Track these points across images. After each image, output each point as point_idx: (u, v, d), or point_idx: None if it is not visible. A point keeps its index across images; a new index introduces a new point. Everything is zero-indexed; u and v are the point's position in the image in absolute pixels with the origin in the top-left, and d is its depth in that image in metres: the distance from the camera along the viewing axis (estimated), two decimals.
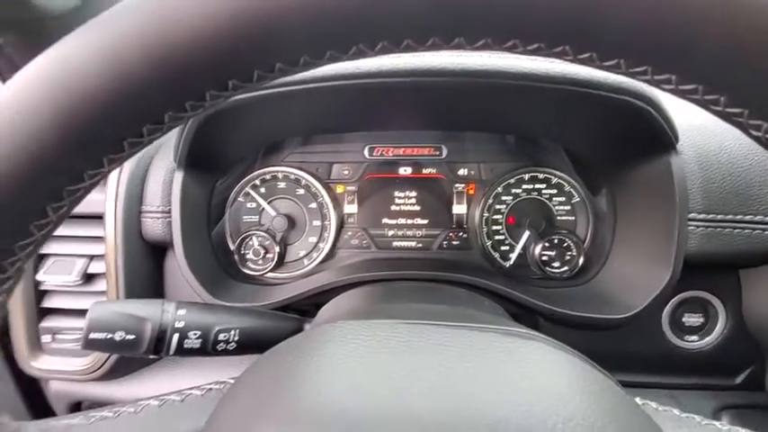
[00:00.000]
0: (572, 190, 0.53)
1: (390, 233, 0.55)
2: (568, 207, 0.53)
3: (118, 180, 0.45)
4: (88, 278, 0.46)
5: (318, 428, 0.16)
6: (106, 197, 0.45)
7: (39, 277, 0.45)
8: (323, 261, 0.54)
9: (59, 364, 0.47)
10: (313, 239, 0.55)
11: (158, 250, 0.49)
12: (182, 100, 0.15)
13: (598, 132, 0.46)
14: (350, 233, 0.55)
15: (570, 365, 0.20)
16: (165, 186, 0.46)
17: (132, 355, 0.30)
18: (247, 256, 0.53)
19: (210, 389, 0.23)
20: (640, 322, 0.42)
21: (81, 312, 0.47)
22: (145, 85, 0.14)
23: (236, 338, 0.32)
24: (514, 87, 0.38)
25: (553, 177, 0.53)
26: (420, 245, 0.55)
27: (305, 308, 0.48)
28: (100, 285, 0.46)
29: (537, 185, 0.54)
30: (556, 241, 0.52)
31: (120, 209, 0.45)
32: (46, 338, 0.47)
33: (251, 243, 0.53)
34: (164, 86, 0.14)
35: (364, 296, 0.40)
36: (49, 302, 0.47)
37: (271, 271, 0.54)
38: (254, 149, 0.53)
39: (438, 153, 0.54)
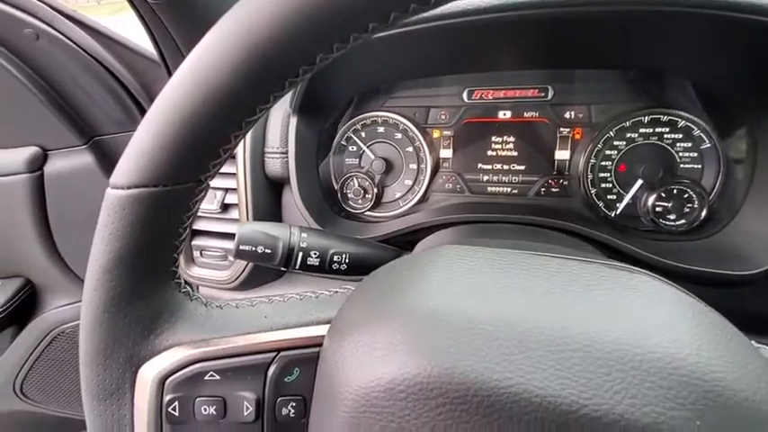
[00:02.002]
0: (702, 134, 0.46)
1: (485, 178, 0.55)
2: (695, 154, 0.47)
3: None
4: (225, 207, 0.56)
5: (429, 325, 0.19)
6: None
7: None
8: (417, 203, 0.57)
9: (206, 274, 0.59)
10: (408, 182, 0.57)
11: (277, 186, 0.56)
12: (329, 42, 0.17)
13: (743, 65, 0.39)
14: (444, 177, 0.57)
15: (681, 297, 0.19)
16: (283, 130, 0.52)
17: (269, 265, 0.37)
18: (349, 196, 0.59)
19: (338, 291, 0.28)
20: (763, 283, 0.37)
21: (220, 234, 0.57)
22: (309, 27, 0.17)
23: (346, 261, 0.38)
24: (645, 15, 0.34)
25: (680, 120, 0.47)
26: (515, 191, 0.54)
27: (400, 245, 0.53)
28: (233, 214, 0.56)
29: (658, 129, 0.48)
30: (675, 192, 0.47)
31: (248, 150, 0.52)
32: (196, 254, 0.59)
33: (352, 184, 0.58)
34: (317, 31, 0.17)
35: (461, 233, 0.42)
36: (197, 225, 0.58)
37: (369, 210, 0.58)
38: (356, 94, 0.56)
39: (543, 95, 0.51)
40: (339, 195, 0.59)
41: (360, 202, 0.58)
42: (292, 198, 0.53)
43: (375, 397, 0.19)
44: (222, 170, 0.55)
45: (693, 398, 0.15)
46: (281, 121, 0.52)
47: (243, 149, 0.52)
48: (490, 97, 0.53)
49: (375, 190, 0.57)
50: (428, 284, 0.22)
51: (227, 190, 0.55)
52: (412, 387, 0.18)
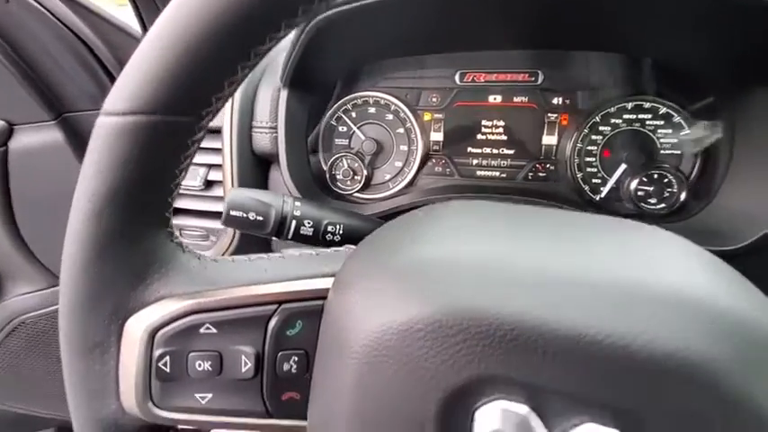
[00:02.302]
0: (682, 121, 0.49)
1: (474, 162, 0.56)
2: (675, 140, 0.49)
3: (233, 98, 0.50)
4: (208, 184, 0.54)
5: (444, 267, 0.18)
6: (224, 113, 0.51)
7: None
8: (407, 185, 0.57)
9: None
10: (399, 164, 0.57)
11: (265, 163, 0.55)
12: None
13: (729, 48, 0.41)
14: (434, 160, 0.57)
15: (689, 245, 0.20)
16: (273, 104, 0.51)
17: (260, 234, 0.35)
18: (338, 177, 0.58)
19: (338, 250, 0.27)
20: (747, 258, 0.39)
21: (203, 213, 0.55)
22: None
23: (340, 232, 0.37)
24: None
25: (661, 107, 0.49)
26: (504, 174, 0.55)
27: None
28: (217, 191, 0.54)
29: (641, 115, 0.50)
30: (656, 176, 0.48)
31: (235, 123, 0.50)
32: (176, 232, 0.56)
33: (341, 164, 0.57)
34: None
35: None
36: (178, 203, 0.55)
37: (358, 192, 0.57)
38: (348, 71, 0.55)
39: (533, 79, 0.52)
40: (327, 176, 0.58)
41: (349, 183, 0.57)
42: (280, 176, 0.51)
43: (388, 340, 0.18)
44: (206, 145, 0.53)
45: (725, 330, 0.16)
46: (270, 95, 0.51)
47: (230, 123, 0.50)
48: (482, 80, 0.53)
49: (365, 171, 0.56)
50: (439, 231, 0.21)
51: (210, 166, 0.53)
52: (430, 326, 0.17)
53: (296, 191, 0.50)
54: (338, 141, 0.58)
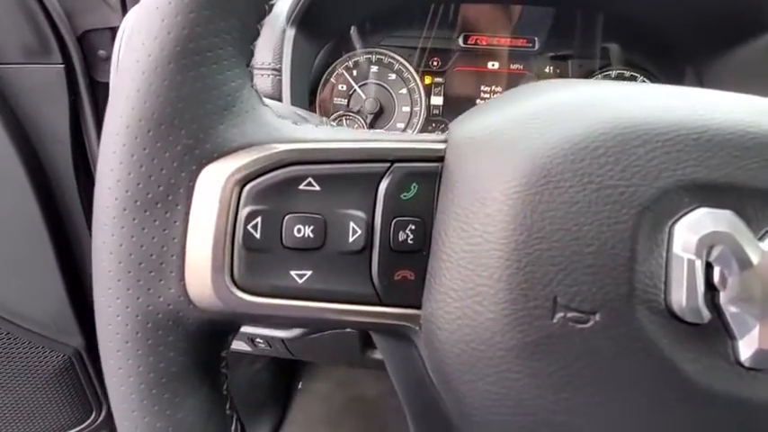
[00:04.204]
0: None
1: None
2: None
3: None
4: None
5: (605, 90, 0.17)
6: None
7: None
8: None
9: None
10: (401, 125, 0.55)
11: None
12: None
13: (703, 15, 0.47)
14: (434, 125, 0.56)
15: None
16: (276, 44, 0.46)
17: None
18: None
19: None
20: None
21: None
22: None
23: None
24: None
25: (639, 76, 0.55)
26: None
27: None
28: None
29: None
30: None
31: None
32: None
33: (340, 125, 0.54)
34: None
35: None
36: None
37: None
38: (360, 18, 0.53)
39: (531, 45, 0.55)
40: None
41: None
42: None
43: (560, 164, 0.16)
44: None
45: None
46: (271, 33, 0.47)
47: None
48: (484, 43, 0.55)
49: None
50: (568, 82, 0.20)
51: None
52: (610, 141, 0.16)
53: None
54: (337, 101, 0.55)
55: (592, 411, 0.15)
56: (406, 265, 0.18)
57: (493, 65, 0.56)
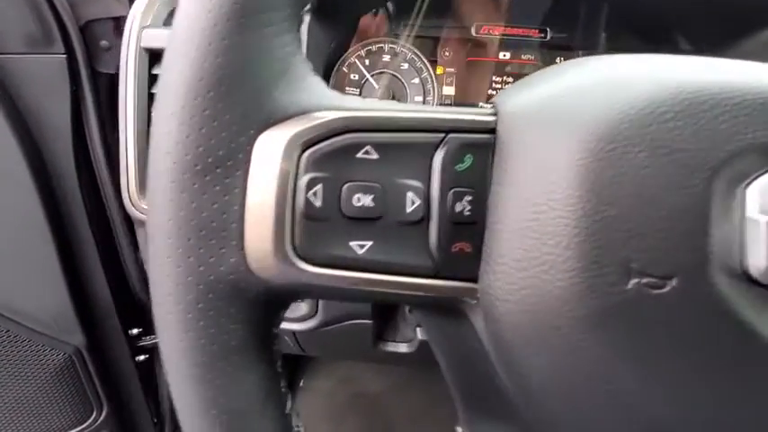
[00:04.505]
0: None
1: None
2: None
3: None
4: None
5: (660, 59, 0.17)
6: None
7: None
8: None
9: None
10: None
11: None
12: None
13: (711, 4, 0.48)
14: None
15: None
16: None
17: None
18: None
19: None
20: None
21: None
22: None
23: None
24: None
25: None
26: None
27: None
28: None
29: None
30: None
31: None
32: None
33: None
34: None
35: None
36: None
37: None
38: (367, 8, 0.53)
39: (543, 35, 0.55)
40: None
41: None
42: None
43: (626, 129, 0.15)
44: None
45: None
46: None
47: None
48: (497, 33, 0.55)
49: None
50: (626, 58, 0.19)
51: None
52: (677, 105, 0.15)
53: None
54: (348, 90, 0.54)
55: (668, 379, 0.15)
56: (463, 237, 0.18)
57: (504, 55, 0.56)
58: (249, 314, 0.16)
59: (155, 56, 0.44)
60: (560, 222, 0.15)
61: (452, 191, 0.18)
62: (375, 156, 0.17)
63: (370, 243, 0.17)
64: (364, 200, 0.17)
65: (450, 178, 0.18)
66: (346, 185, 0.17)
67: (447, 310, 0.19)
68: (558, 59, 0.56)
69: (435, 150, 0.18)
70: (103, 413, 0.83)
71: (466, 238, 0.18)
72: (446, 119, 0.18)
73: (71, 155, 0.67)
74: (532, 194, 0.16)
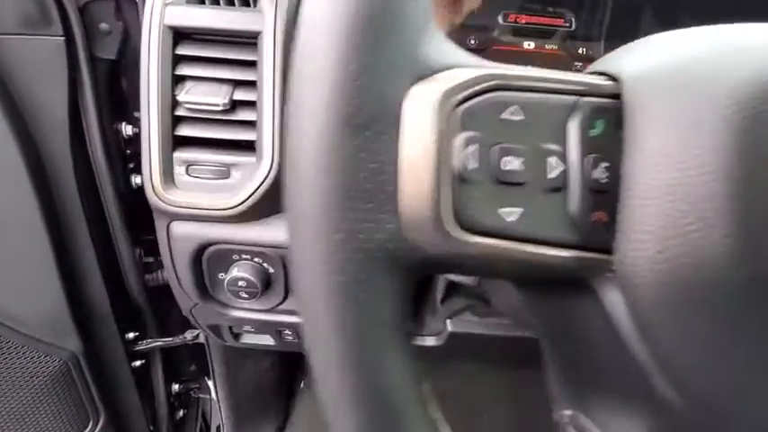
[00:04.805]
0: None
1: None
2: None
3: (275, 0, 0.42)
4: (234, 105, 0.43)
5: None
6: (263, 17, 0.42)
7: (181, 97, 0.42)
8: None
9: (195, 200, 0.43)
10: None
11: None
12: None
13: None
14: None
15: None
16: None
17: None
18: None
19: None
20: None
21: (222, 143, 0.44)
22: None
23: None
24: None
25: None
26: None
27: None
28: (245, 114, 0.43)
29: None
30: None
31: (280, 29, 0.42)
32: (179, 170, 0.43)
33: None
34: None
35: None
36: (187, 129, 0.43)
37: None
38: None
39: (568, 25, 0.56)
40: None
41: None
42: None
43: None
44: (231, 56, 0.43)
45: None
46: None
47: (272, 28, 0.42)
48: (523, 21, 0.55)
49: None
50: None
51: (236, 83, 0.43)
52: None
53: None
54: None
55: None
56: (599, 206, 0.17)
57: (528, 44, 0.56)
58: (403, 286, 0.15)
59: (179, 34, 0.41)
60: (714, 186, 0.15)
61: (589, 157, 0.17)
62: (520, 116, 0.16)
63: (518, 210, 0.16)
64: (512, 163, 0.16)
65: (585, 144, 0.17)
66: (497, 147, 0.16)
67: (575, 285, 0.19)
68: (580, 50, 0.57)
69: (570, 114, 0.17)
70: (100, 422, 0.78)
71: (602, 207, 0.17)
72: (578, 81, 0.18)
73: (68, 149, 0.62)
74: (678, 160, 0.16)
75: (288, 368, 1.05)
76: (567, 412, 0.22)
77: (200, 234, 0.45)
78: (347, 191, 0.14)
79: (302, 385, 1.08)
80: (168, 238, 0.45)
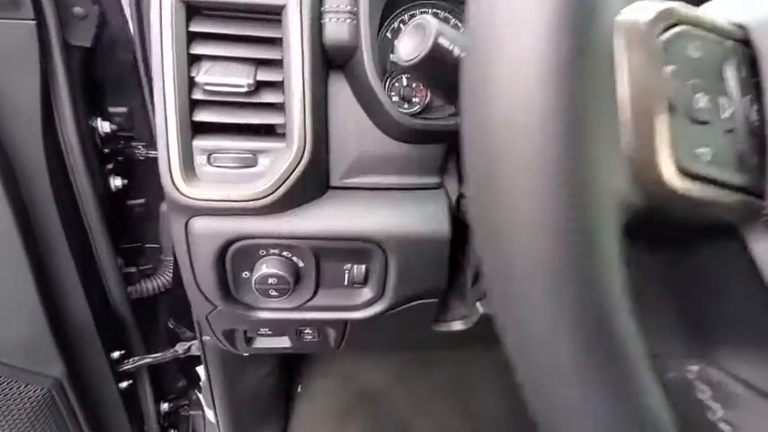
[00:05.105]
0: None
1: None
2: None
3: None
4: (258, 86, 0.40)
5: None
6: None
7: (200, 78, 0.38)
8: None
9: (218, 192, 0.39)
10: None
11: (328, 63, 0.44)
12: None
13: None
14: None
15: None
16: None
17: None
18: (393, 99, 0.50)
19: None
20: None
21: (245, 129, 0.40)
22: None
23: None
24: None
25: None
26: None
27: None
28: (270, 96, 0.40)
29: None
30: None
31: (306, 5, 0.39)
32: (200, 160, 0.39)
33: (396, 85, 0.50)
34: None
35: None
36: (206, 114, 0.39)
37: (415, 115, 0.51)
38: None
39: None
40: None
41: (406, 106, 0.50)
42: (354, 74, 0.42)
43: None
44: (255, 33, 0.40)
45: None
46: None
47: (298, 4, 0.39)
48: None
49: (426, 92, 0.50)
50: None
51: (259, 62, 0.40)
52: None
53: (379, 84, 0.42)
54: (394, 57, 0.51)
55: None
56: (755, 149, 0.17)
57: None
58: (629, 242, 0.13)
59: (192, 9, 0.37)
60: None
61: (745, 98, 0.17)
62: (699, 53, 0.15)
63: (709, 151, 0.15)
64: (702, 101, 0.15)
65: (744, 87, 0.17)
66: (689, 83, 0.15)
67: (726, 231, 0.18)
68: None
69: (727, 56, 0.17)
70: None
71: (757, 150, 0.17)
72: (727, 27, 0.17)
73: (41, 150, 0.55)
74: None
75: (287, 372, 1.01)
76: (694, 367, 0.21)
77: (226, 229, 0.41)
78: (581, 128, 0.12)
79: (299, 389, 1.04)
80: (187, 237, 0.41)
